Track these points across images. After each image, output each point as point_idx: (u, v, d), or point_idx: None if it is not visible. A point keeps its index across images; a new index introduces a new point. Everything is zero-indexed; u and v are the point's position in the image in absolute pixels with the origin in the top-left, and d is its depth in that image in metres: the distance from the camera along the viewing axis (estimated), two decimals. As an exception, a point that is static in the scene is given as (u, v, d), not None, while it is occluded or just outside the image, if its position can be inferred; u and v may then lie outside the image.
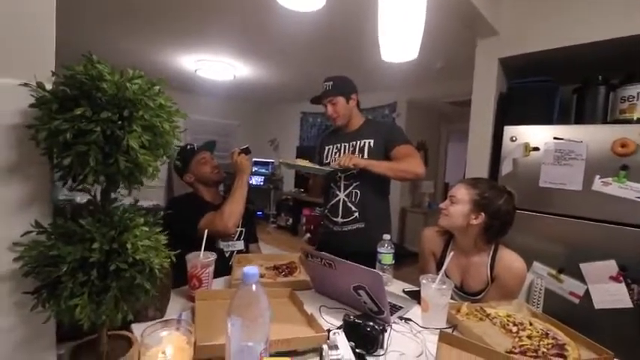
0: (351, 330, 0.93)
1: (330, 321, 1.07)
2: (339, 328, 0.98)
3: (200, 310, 1.04)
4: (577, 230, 1.83)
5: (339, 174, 1.75)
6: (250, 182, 1.66)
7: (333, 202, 1.81)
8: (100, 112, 0.53)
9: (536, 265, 1.93)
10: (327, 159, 1.88)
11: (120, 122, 0.54)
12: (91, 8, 2.69)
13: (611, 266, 1.72)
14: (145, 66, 0.57)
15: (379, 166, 1.63)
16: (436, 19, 2.08)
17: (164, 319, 1.03)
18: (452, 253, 1.22)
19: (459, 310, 1.12)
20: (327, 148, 1.91)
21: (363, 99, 1.94)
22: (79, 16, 2.76)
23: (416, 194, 5.24)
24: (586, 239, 1.80)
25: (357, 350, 0.83)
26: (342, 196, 1.78)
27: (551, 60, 2.16)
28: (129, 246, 0.58)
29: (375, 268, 1.30)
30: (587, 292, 1.80)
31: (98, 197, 0.65)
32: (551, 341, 0.93)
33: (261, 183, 6.48)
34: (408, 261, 3.10)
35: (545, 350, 0.88)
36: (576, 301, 1.83)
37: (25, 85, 0.56)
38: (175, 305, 1.13)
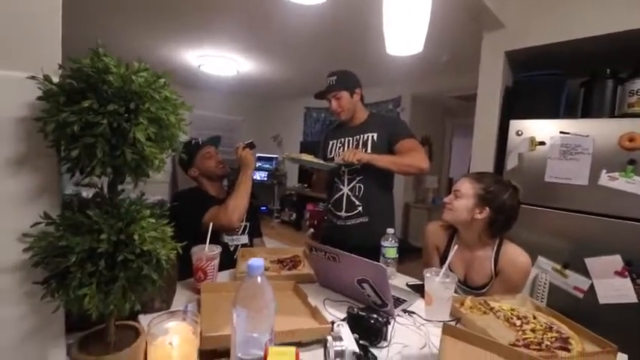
0: (354, 322, 0.93)
1: (334, 313, 1.08)
2: (343, 320, 0.98)
3: (205, 302, 1.05)
4: (582, 225, 1.82)
5: (343, 168, 1.75)
6: (254, 177, 1.67)
7: (336, 196, 1.82)
8: (107, 105, 0.53)
9: (540, 259, 1.93)
10: (331, 154, 1.88)
11: (126, 115, 0.55)
12: (94, 4, 2.70)
13: (616, 261, 1.71)
14: (149, 61, 0.58)
15: (382, 160, 1.63)
16: (441, 11, 2.06)
17: (170, 310, 1.04)
18: (456, 247, 1.22)
19: (462, 304, 1.12)
20: (331, 142, 1.91)
21: (367, 94, 1.93)
22: (82, 11, 2.77)
23: (420, 189, 5.23)
24: (591, 234, 1.80)
25: (361, 342, 0.83)
26: (345, 190, 1.79)
27: (558, 53, 2.13)
28: (136, 237, 0.58)
29: (378, 262, 1.31)
30: (591, 286, 1.79)
31: (105, 190, 0.66)
32: (554, 334, 0.93)
33: (265, 178, 6.50)
34: (411, 256, 3.10)
35: (548, 343, 0.88)
36: (580, 295, 1.82)
37: (33, 78, 0.56)
38: (181, 297, 1.15)
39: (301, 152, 1.81)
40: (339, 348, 0.74)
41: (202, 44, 3.66)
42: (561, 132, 1.88)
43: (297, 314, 1.03)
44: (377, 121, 1.82)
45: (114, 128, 0.54)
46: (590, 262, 1.79)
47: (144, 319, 0.89)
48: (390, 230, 1.45)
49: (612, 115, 1.92)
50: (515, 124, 2.05)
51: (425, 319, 1.08)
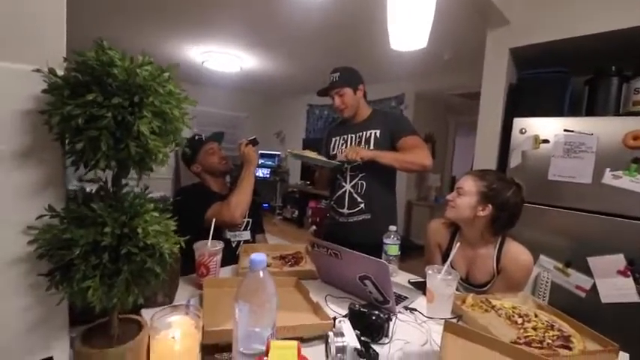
0: (356, 318, 0.93)
1: (336, 310, 1.08)
2: (344, 316, 0.99)
3: (208, 297, 1.05)
4: (585, 224, 1.82)
5: (346, 165, 1.75)
6: (256, 174, 1.67)
7: (339, 193, 1.82)
8: (111, 98, 0.53)
9: (542, 258, 1.92)
10: (333, 150, 1.88)
11: (130, 108, 0.55)
12: (97, 1, 2.70)
13: (619, 260, 1.70)
14: (152, 57, 0.58)
15: (385, 157, 1.62)
16: (446, 7, 2.05)
17: (173, 304, 1.05)
18: (458, 245, 1.22)
19: (464, 301, 1.12)
20: (333, 139, 1.91)
21: (370, 91, 1.93)
22: (85, 9, 2.77)
23: (422, 187, 5.22)
24: (594, 233, 1.79)
25: (362, 338, 0.83)
26: (348, 187, 1.78)
27: (563, 50, 2.12)
28: (139, 231, 0.59)
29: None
30: (593, 286, 1.79)
31: (109, 184, 0.66)
32: (556, 333, 0.93)
33: (268, 175, 6.50)
34: (413, 254, 3.10)
35: (550, 342, 0.88)
36: (582, 295, 1.82)
37: (38, 70, 0.57)
38: (184, 292, 1.15)
39: (304, 149, 1.81)
40: (340, 344, 0.75)
41: (206, 40, 3.65)
42: (565, 130, 1.87)
43: (299, 310, 1.04)
44: (380, 118, 1.82)
45: (118, 121, 0.54)
46: (593, 261, 1.78)
47: (147, 314, 0.89)
48: (393, 227, 1.45)
49: (617, 113, 1.90)
50: (519, 122, 2.04)
51: (426, 316, 1.08)
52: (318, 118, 6.21)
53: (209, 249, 1.21)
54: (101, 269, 0.58)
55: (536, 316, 1.02)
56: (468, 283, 1.39)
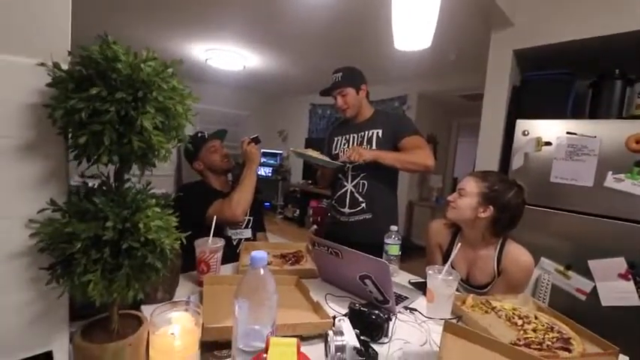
0: (356, 317, 0.93)
1: (336, 309, 1.08)
2: (344, 315, 0.99)
3: (208, 294, 1.06)
4: (586, 227, 1.81)
5: (348, 165, 1.75)
6: (258, 172, 1.67)
7: (340, 192, 1.82)
8: (115, 93, 0.53)
9: (543, 260, 1.92)
10: (335, 150, 1.88)
11: (134, 103, 0.55)
12: (101, -1, 2.71)
13: (620, 263, 1.70)
14: (156, 54, 0.58)
15: (387, 158, 1.62)
16: (450, 8, 2.05)
17: (173, 300, 1.05)
18: (459, 245, 1.22)
19: (464, 302, 1.12)
20: (336, 139, 1.91)
21: (373, 91, 1.93)
22: (89, 4, 2.77)
23: (424, 188, 5.22)
24: (595, 236, 1.79)
25: (362, 337, 0.83)
26: (349, 186, 1.78)
27: (567, 53, 2.12)
28: (141, 226, 0.59)
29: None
30: (594, 289, 1.79)
31: (111, 179, 0.67)
32: (556, 335, 0.92)
33: (270, 174, 6.50)
34: (414, 254, 3.09)
35: (549, 343, 0.88)
36: (583, 297, 1.81)
37: (42, 64, 0.57)
38: (184, 289, 1.15)
39: (307, 149, 1.82)
40: (339, 343, 0.75)
41: (210, 38, 3.66)
42: (568, 132, 1.87)
43: (299, 309, 1.04)
44: (382, 118, 1.82)
45: (121, 116, 0.55)
46: (594, 264, 1.78)
47: (146, 310, 0.90)
48: (394, 227, 1.45)
49: (620, 117, 1.90)
50: (522, 124, 2.04)
51: (426, 317, 1.08)
52: (321, 118, 6.21)
53: (210, 246, 1.21)
54: (102, 264, 0.59)
55: (536, 318, 1.02)
56: (469, 284, 1.39)
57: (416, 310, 1.12)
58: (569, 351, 0.85)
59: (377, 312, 0.93)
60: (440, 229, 1.52)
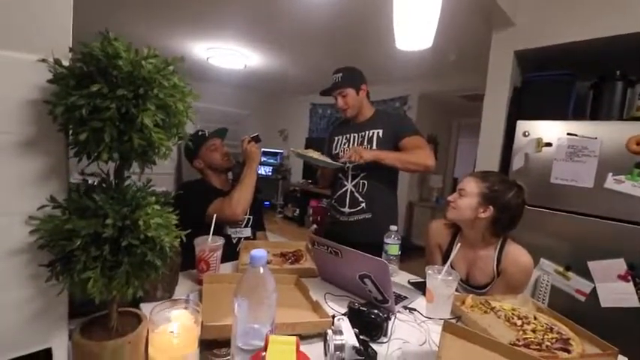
0: (355, 317, 0.93)
1: (335, 308, 1.09)
2: (343, 314, 0.99)
3: (207, 292, 1.05)
4: (586, 228, 1.82)
5: (348, 164, 1.75)
6: (258, 172, 1.67)
7: (340, 192, 1.82)
8: (116, 90, 0.53)
9: (543, 261, 1.92)
10: (336, 149, 1.88)
11: (134, 100, 0.55)
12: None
13: (619, 265, 1.70)
14: (157, 51, 0.58)
15: (387, 157, 1.62)
16: (451, 8, 2.04)
17: (173, 299, 1.05)
18: (459, 245, 1.22)
19: (463, 302, 1.12)
20: (336, 138, 1.91)
21: (373, 91, 1.93)
22: (89, 4, 2.77)
23: (424, 188, 5.22)
24: (595, 237, 1.79)
25: (361, 337, 0.83)
26: (349, 186, 1.78)
27: (568, 54, 2.12)
28: (141, 223, 0.59)
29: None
30: (593, 290, 1.79)
31: (111, 176, 0.66)
32: (555, 335, 0.92)
33: (270, 173, 6.50)
34: (414, 255, 3.09)
35: (549, 344, 0.88)
36: (582, 298, 1.82)
37: (43, 61, 0.57)
38: (183, 287, 1.15)
39: (307, 149, 1.82)
40: (338, 342, 0.75)
41: (211, 37, 3.65)
42: (568, 134, 1.87)
43: (299, 308, 1.04)
44: (383, 118, 1.82)
45: (122, 113, 0.54)
46: (593, 265, 1.78)
47: (145, 308, 0.90)
48: (393, 227, 1.45)
49: (621, 118, 1.90)
50: (523, 125, 2.04)
51: (425, 317, 1.08)
52: (321, 117, 6.20)
53: (210, 244, 1.21)
54: (101, 261, 0.58)
55: (535, 318, 1.02)
56: (468, 285, 1.39)
57: (415, 309, 1.12)
58: (569, 352, 0.85)
59: (376, 311, 0.93)
60: (440, 230, 1.52)
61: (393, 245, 1.43)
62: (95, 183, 0.66)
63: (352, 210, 1.77)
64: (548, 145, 1.93)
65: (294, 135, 6.80)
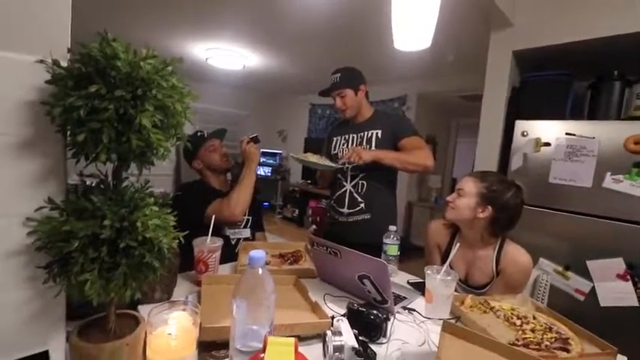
0: (354, 317, 0.93)
1: (334, 309, 1.08)
2: (343, 315, 0.99)
3: (206, 293, 1.05)
4: (585, 227, 1.82)
5: (347, 165, 1.75)
6: (257, 172, 1.67)
7: (339, 192, 1.82)
8: (114, 91, 0.53)
9: (542, 261, 1.92)
10: (334, 150, 1.88)
11: (133, 101, 0.55)
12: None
13: (618, 264, 1.70)
14: (156, 53, 0.58)
15: (386, 157, 1.62)
16: (450, 9, 2.05)
17: (171, 300, 1.05)
18: (458, 245, 1.22)
19: (462, 302, 1.12)
20: (335, 139, 1.91)
21: (372, 91, 1.93)
22: (90, 3, 2.76)
23: (423, 188, 5.22)
24: (594, 236, 1.79)
25: (360, 338, 0.83)
26: (348, 187, 1.78)
27: (566, 54, 2.12)
28: (139, 224, 0.58)
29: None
30: (592, 289, 1.79)
31: (109, 177, 0.66)
32: (554, 335, 0.92)
33: (269, 174, 6.50)
34: (413, 255, 3.09)
35: (548, 344, 0.88)
36: (581, 298, 1.82)
37: (42, 61, 0.56)
38: (182, 289, 1.15)
39: (306, 149, 1.83)
40: (338, 343, 0.74)
41: (210, 37, 3.65)
42: (567, 133, 1.87)
43: (298, 309, 1.03)
44: (382, 119, 1.82)
45: (120, 114, 0.54)
46: (592, 265, 1.78)
47: (144, 310, 0.89)
48: (392, 227, 1.45)
49: (619, 118, 1.91)
50: (521, 125, 2.05)
51: (425, 317, 1.08)
52: (321, 118, 6.20)
53: (208, 245, 1.20)
54: (99, 263, 0.58)
55: (534, 318, 1.02)
56: (467, 285, 1.39)
57: (414, 310, 1.12)
58: (568, 351, 0.85)
59: (375, 312, 0.93)
60: (439, 230, 1.52)
61: (392, 245, 1.43)
62: (93, 184, 0.66)
63: (351, 211, 1.77)
64: (547, 144, 1.94)
65: (293, 135, 6.79)
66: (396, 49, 1.35)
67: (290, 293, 1.14)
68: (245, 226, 1.73)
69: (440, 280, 1.06)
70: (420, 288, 1.28)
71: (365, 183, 1.75)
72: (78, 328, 0.68)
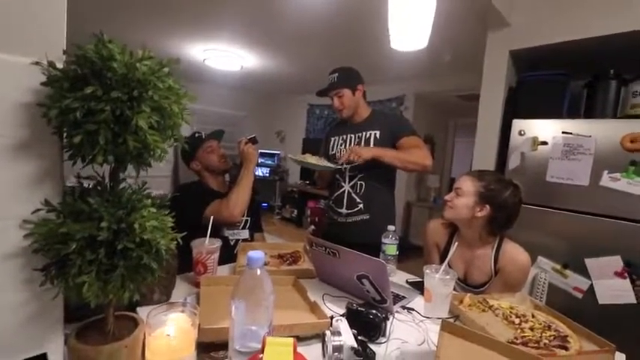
0: (353, 317, 0.93)
1: (333, 309, 1.08)
2: (342, 315, 0.99)
3: (205, 295, 1.05)
4: (583, 225, 1.82)
5: (345, 166, 1.75)
6: (256, 173, 1.67)
7: (337, 193, 1.82)
8: (110, 92, 0.53)
9: (540, 259, 1.92)
10: (332, 150, 1.88)
11: (129, 102, 0.55)
12: (97, -2, 2.70)
13: (616, 262, 1.71)
14: (153, 54, 0.58)
15: (386, 155, 1.62)
16: (446, 9, 2.05)
17: (170, 302, 1.04)
18: (456, 244, 1.22)
19: (461, 301, 1.12)
20: (332, 139, 1.91)
21: (370, 92, 1.93)
22: (86, 3, 2.76)
23: (421, 188, 5.23)
24: (591, 235, 1.80)
25: (360, 337, 0.83)
26: (347, 187, 1.78)
27: (563, 53, 2.13)
28: (136, 226, 0.58)
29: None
30: (590, 287, 1.79)
31: (106, 179, 0.66)
32: (553, 333, 0.93)
33: (267, 174, 6.49)
34: (412, 255, 3.09)
35: (547, 342, 0.88)
36: (580, 296, 1.82)
37: (37, 63, 0.56)
38: (181, 290, 1.15)
39: (304, 150, 1.83)
40: (337, 343, 0.74)
41: (207, 38, 3.65)
42: (564, 132, 1.88)
43: (297, 309, 1.03)
44: (380, 119, 1.82)
45: (117, 115, 0.54)
46: (590, 263, 1.79)
47: (142, 311, 0.89)
48: (391, 227, 1.45)
49: (615, 116, 1.91)
50: (518, 124, 2.05)
51: (424, 316, 1.08)
52: (319, 118, 6.19)
53: (207, 247, 1.20)
54: (97, 264, 0.58)
55: (533, 316, 1.02)
56: (466, 284, 1.39)
57: (413, 309, 1.12)
58: (567, 349, 0.85)
59: (374, 312, 0.93)
60: (437, 229, 1.52)
61: (390, 245, 1.43)
62: (90, 186, 0.66)
63: (350, 211, 1.77)
64: (544, 143, 1.94)
65: (291, 136, 6.79)
66: (393, 49, 1.35)
67: (289, 294, 1.14)
68: (244, 227, 1.73)
69: (439, 279, 1.06)
70: (418, 287, 1.28)
71: (363, 183, 1.75)
72: (76, 330, 0.68)
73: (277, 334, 0.79)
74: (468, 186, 1.34)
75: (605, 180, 1.75)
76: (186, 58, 4.29)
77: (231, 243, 1.65)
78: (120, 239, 0.59)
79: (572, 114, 2.09)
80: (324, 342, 0.77)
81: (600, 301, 1.76)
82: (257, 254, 0.73)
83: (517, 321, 0.99)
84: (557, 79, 2.08)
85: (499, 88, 2.27)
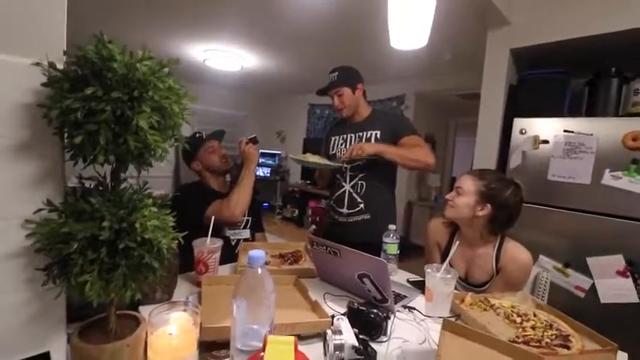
0: (354, 316, 0.93)
1: (335, 308, 1.08)
2: (343, 314, 0.99)
3: (206, 294, 1.05)
4: (584, 224, 1.82)
5: (345, 165, 1.75)
6: (257, 173, 1.67)
7: (338, 193, 1.82)
8: (111, 92, 0.53)
9: (542, 258, 1.92)
10: (333, 149, 1.88)
11: (129, 103, 0.55)
12: (98, -1, 2.70)
13: (618, 261, 1.70)
14: (153, 54, 0.58)
15: (388, 152, 1.61)
16: (447, 7, 2.05)
17: (171, 301, 1.05)
18: (457, 243, 1.22)
19: (462, 300, 1.12)
20: (333, 139, 1.90)
21: (370, 91, 1.93)
22: (86, 4, 2.76)
23: (422, 187, 5.22)
24: (593, 233, 1.79)
25: (361, 336, 0.83)
26: (347, 187, 1.78)
27: (564, 51, 2.13)
28: (138, 225, 0.58)
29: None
30: (592, 286, 1.79)
31: (108, 179, 0.66)
32: (555, 332, 0.93)
33: (268, 174, 6.49)
34: (413, 254, 3.10)
35: (548, 341, 0.88)
36: (582, 295, 1.82)
37: (38, 64, 0.56)
38: (182, 290, 1.15)
39: (304, 150, 1.83)
40: (338, 341, 0.75)
41: (208, 39, 3.65)
42: (565, 130, 1.87)
43: (298, 308, 1.03)
44: (380, 118, 1.82)
45: (117, 116, 0.54)
46: (592, 262, 1.79)
47: (144, 310, 0.89)
48: (392, 226, 1.45)
49: (616, 114, 1.91)
50: (519, 123, 2.05)
51: (425, 315, 1.08)
52: (319, 118, 6.19)
53: (208, 246, 1.21)
54: (99, 264, 0.58)
55: (535, 315, 1.02)
56: (467, 283, 1.39)
57: (415, 308, 1.12)
58: (568, 348, 0.85)
59: (375, 311, 0.93)
60: (438, 228, 1.52)
61: (391, 244, 1.43)
62: (91, 186, 0.66)
63: (351, 211, 1.77)
64: (545, 142, 1.94)
65: (291, 136, 6.79)
66: (393, 48, 1.35)
67: (290, 293, 1.14)
68: (245, 227, 1.73)
69: (440, 278, 1.06)
70: (420, 286, 1.28)
71: (364, 183, 1.75)
72: (78, 329, 0.68)
73: (278, 333, 0.79)
74: (468, 185, 1.34)
75: (607, 178, 1.74)
76: (187, 58, 4.29)
77: (233, 243, 1.66)
78: (121, 239, 0.59)
79: (573, 112, 2.09)
80: (325, 341, 0.77)
81: (602, 300, 1.76)
82: (258, 254, 0.73)
83: (519, 320, 0.99)
84: (558, 77, 2.08)
85: (500, 87, 2.26)
